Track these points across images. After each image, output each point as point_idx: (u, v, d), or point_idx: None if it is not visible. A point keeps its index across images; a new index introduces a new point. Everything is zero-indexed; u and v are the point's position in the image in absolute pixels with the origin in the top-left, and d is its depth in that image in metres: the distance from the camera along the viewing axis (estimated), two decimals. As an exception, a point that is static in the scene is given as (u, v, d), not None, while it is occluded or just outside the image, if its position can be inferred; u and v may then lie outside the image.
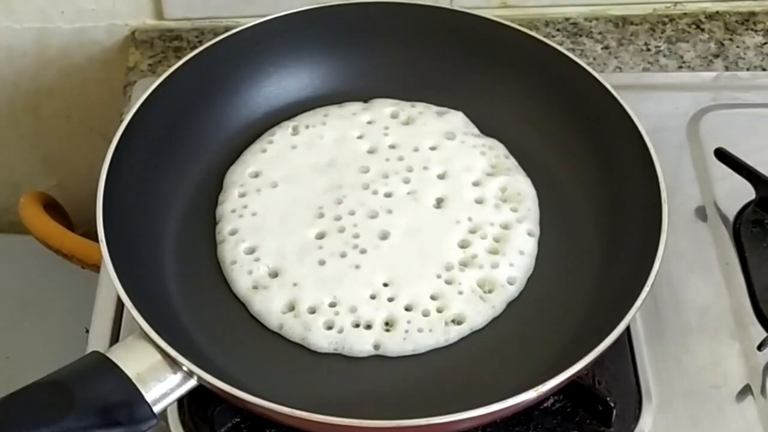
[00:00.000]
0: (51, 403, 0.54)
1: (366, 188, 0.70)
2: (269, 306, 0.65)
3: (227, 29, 0.75)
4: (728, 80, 0.84)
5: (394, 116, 0.75)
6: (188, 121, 0.73)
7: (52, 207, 0.94)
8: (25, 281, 0.98)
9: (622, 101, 0.69)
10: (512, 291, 0.66)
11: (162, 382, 0.56)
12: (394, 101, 0.76)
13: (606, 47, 0.87)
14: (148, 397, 0.56)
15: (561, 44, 0.81)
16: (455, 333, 0.64)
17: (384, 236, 0.68)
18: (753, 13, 0.89)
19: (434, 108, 0.76)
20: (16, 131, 0.98)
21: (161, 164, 0.70)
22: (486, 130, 0.75)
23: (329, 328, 0.64)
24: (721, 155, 0.74)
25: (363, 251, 0.67)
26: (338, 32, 0.77)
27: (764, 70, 0.85)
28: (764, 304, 0.68)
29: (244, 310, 0.66)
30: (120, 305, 0.68)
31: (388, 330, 0.64)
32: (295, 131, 0.74)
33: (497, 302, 0.65)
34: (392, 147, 0.73)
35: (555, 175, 0.72)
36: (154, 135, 0.70)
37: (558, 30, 0.88)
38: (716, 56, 0.86)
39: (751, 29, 0.88)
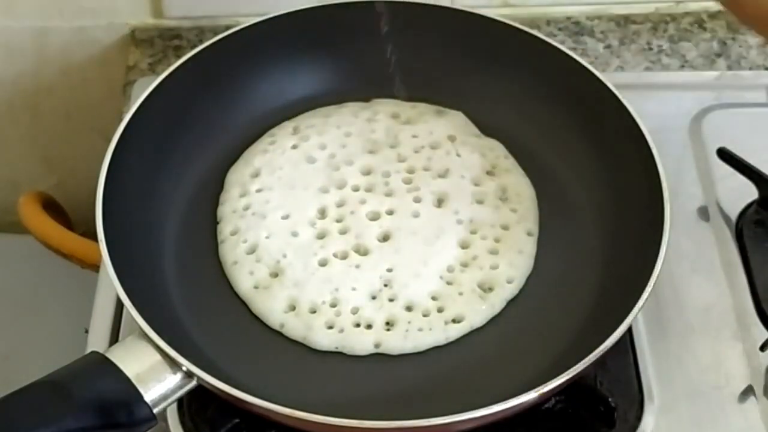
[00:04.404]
0: (50, 403, 0.54)
1: (367, 188, 0.70)
2: (270, 306, 0.65)
3: (227, 28, 0.75)
4: (731, 80, 0.84)
5: (394, 116, 0.75)
6: (188, 121, 0.72)
7: (52, 206, 0.94)
8: (24, 281, 0.98)
9: (624, 101, 0.69)
10: (511, 289, 0.66)
11: (161, 383, 0.56)
12: (395, 101, 0.76)
13: (608, 46, 0.87)
14: (148, 397, 0.55)
15: (563, 43, 0.80)
16: (455, 331, 0.64)
17: (384, 237, 0.68)
18: (755, 13, 0.89)
19: (434, 108, 0.76)
20: (16, 130, 0.98)
21: (161, 163, 0.70)
22: (486, 130, 0.74)
23: (330, 327, 0.64)
24: (724, 155, 0.74)
25: (364, 251, 0.67)
26: (338, 32, 0.76)
27: (767, 69, 0.85)
28: (767, 304, 0.68)
29: (245, 309, 0.65)
30: (119, 305, 0.68)
31: (388, 329, 0.64)
32: (296, 131, 0.74)
33: (496, 301, 0.65)
34: (392, 147, 0.73)
35: (556, 175, 0.72)
36: (154, 134, 0.70)
37: (560, 29, 0.88)
38: (719, 55, 0.86)
39: (754, 28, 0.88)
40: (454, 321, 0.64)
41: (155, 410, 0.56)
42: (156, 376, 0.56)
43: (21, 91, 0.94)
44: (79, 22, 0.89)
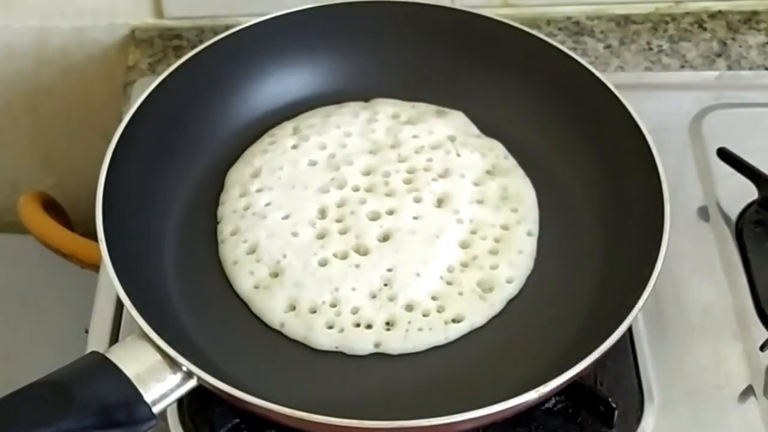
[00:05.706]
0: (50, 403, 0.54)
1: (367, 189, 0.70)
2: (270, 305, 0.65)
3: (227, 28, 0.75)
4: (730, 80, 0.84)
5: (395, 116, 0.75)
6: (188, 121, 0.72)
7: (52, 206, 0.94)
8: (24, 281, 0.98)
9: (624, 101, 0.69)
10: (511, 289, 0.66)
11: (161, 383, 0.56)
12: (395, 101, 0.76)
13: (608, 46, 0.87)
14: (148, 397, 0.55)
15: (563, 43, 0.80)
16: (455, 331, 0.64)
17: (385, 237, 0.68)
18: (755, 12, 0.89)
19: (434, 108, 0.75)
20: (16, 130, 0.98)
21: (161, 163, 0.70)
22: (486, 130, 0.74)
23: (330, 327, 0.64)
24: (724, 155, 0.74)
25: (364, 251, 0.67)
26: (338, 32, 0.76)
27: (767, 69, 0.85)
28: (767, 304, 0.68)
29: (245, 309, 0.65)
30: (119, 305, 0.68)
31: (388, 329, 0.64)
32: (296, 131, 0.74)
33: (496, 301, 0.65)
34: (393, 147, 0.73)
35: (556, 175, 0.72)
36: (153, 134, 0.70)
37: (560, 29, 0.88)
38: (718, 55, 0.86)
39: (754, 28, 0.88)
40: (454, 321, 0.64)
41: (155, 410, 0.56)
42: (156, 376, 0.56)
43: (21, 92, 0.94)
44: (79, 23, 0.89)
